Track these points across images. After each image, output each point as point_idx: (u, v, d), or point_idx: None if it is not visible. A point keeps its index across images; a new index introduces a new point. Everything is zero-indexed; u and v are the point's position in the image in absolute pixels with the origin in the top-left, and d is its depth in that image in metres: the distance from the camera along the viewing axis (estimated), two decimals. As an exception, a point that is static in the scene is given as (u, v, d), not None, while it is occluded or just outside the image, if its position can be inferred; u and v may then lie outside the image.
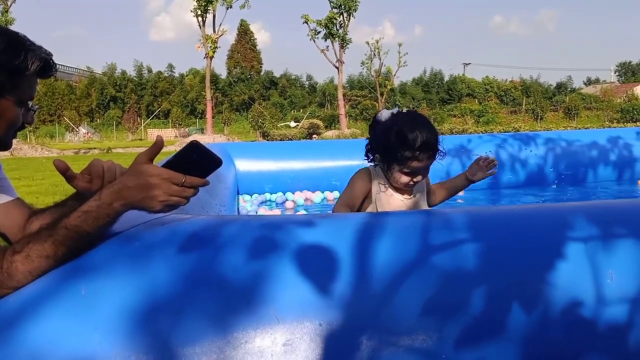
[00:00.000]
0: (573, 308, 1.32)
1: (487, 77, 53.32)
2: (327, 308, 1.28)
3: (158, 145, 1.42)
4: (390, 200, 1.98)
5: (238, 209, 4.93)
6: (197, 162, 1.42)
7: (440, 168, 6.80)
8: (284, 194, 5.86)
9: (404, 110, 1.96)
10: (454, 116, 37.68)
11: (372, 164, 2.05)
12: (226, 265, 1.34)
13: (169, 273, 1.33)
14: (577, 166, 6.85)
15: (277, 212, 4.65)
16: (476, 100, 49.02)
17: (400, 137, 1.83)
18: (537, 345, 1.30)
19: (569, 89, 53.63)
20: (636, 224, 1.51)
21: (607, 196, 6.12)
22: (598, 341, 1.32)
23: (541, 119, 35.46)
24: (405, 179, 1.90)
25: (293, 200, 5.69)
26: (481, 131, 24.07)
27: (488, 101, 47.82)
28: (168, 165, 1.39)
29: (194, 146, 1.41)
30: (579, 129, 25.24)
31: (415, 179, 1.93)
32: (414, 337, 1.27)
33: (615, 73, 61.82)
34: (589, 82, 61.51)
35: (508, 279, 1.35)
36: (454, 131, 25.29)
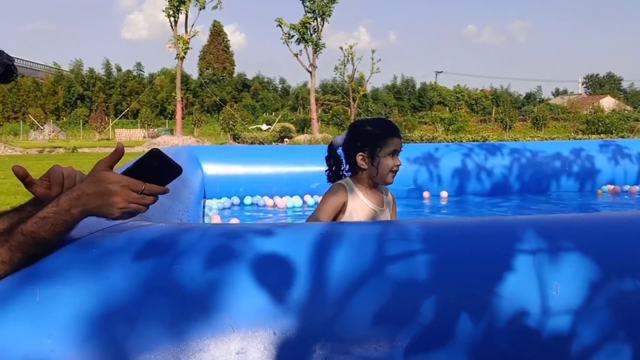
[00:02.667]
0: (519, 318, 1.37)
1: (458, 85, 54.15)
2: (282, 317, 1.30)
3: (118, 152, 1.42)
4: (365, 210, 2.12)
5: (204, 214, 4.91)
6: (158, 170, 1.43)
7: (409, 175, 6.87)
8: (253, 198, 5.86)
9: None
10: (425, 123, 38.12)
11: (338, 181, 2.20)
12: (183, 273, 1.35)
13: (125, 280, 1.34)
14: (540, 176, 7.02)
15: (235, 220, 4.62)
16: (447, 108, 49.69)
17: (376, 124, 2.16)
18: (484, 355, 1.35)
19: (537, 100, 54.76)
20: (581, 237, 1.58)
21: (568, 206, 6.28)
22: (542, 351, 1.38)
23: (510, 128, 36.15)
24: (391, 161, 2.13)
25: (274, 205, 5.69)
26: (451, 139, 24.43)
27: (459, 109, 48.50)
28: (128, 172, 1.40)
29: (155, 154, 1.42)
30: (546, 139, 25.81)
31: (397, 163, 2.17)
32: (366, 346, 1.31)
33: (582, 85, 63.34)
34: (557, 93, 62.89)
35: (458, 290, 1.40)
36: (424, 139, 25.58)
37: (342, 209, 2.09)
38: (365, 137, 2.12)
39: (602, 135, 27.28)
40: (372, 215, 2.14)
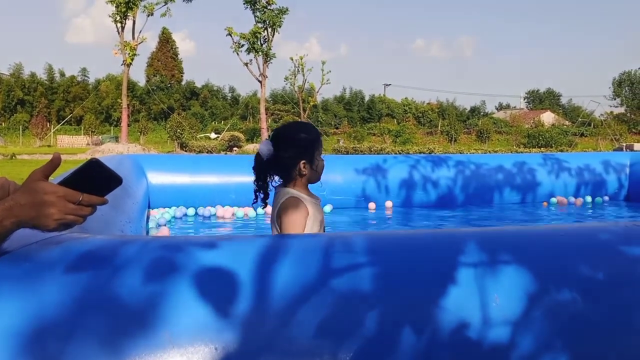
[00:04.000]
0: (460, 330, 1.39)
1: (406, 98, 55.15)
2: (223, 331, 1.28)
3: (54, 162, 1.37)
4: (317, 209, 2.14)
5: (147, 224, 4.79)
6: (97, 180, 1.38)
7: (358, 186, 6.91)
8: (197, 209, 5.76)
9: (273, 131, 2.27)
10: (374, 135, 38.63)
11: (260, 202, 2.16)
12: (121, 287, 1.31)
13: (59, 295, 1.28)
14: (485, 188, 7.21)
15: (165, 230, 4.52)
16: (395, 120, 50.52)
17: (307, 129, 2.18)
18: (426, 366, 1.36)
19: (482, 113, 56.39)
20: (520, 250, 1.62)
21: (515, 216, 6.46)
22: (482, 361, 1.40)
23: (455, 140, 37.09)
24: (323, 161, 2.21)
25: (222, 216, 5.60)
26: (398, 151, 24.84)
27: (406, 122, 49.38)
28: (65, 182, 1.35)
29: (94, 164, 1.38)
30: (490, 151, 26.61)
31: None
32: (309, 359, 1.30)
33: (524, 100, 65.67)
34: (500, 108, 64.97)
35: (401, 302, 1.41)
36: (372, 150, 25.91)
37: (306, 219, 2.08)
38: (303, 144, 2.13)
39: (542, 148, 28.34)
40: (320, 210, 2.18)
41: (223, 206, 5.85)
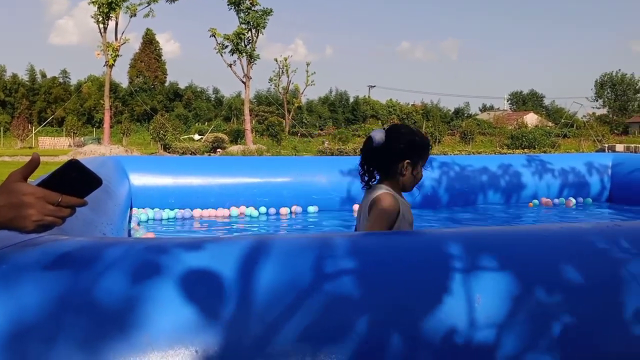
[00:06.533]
0: (442, 330, 1.39)
1: (390, 99, 55.38)
2: (204, 334, 1.26)
3: (33, 163, 1.34)
4: (408, 210, 2.15)
5: (130, 226, 4.74)
6: (76, 181, 1.35)
7: (344, 187, 6.88)
8: (183, 211, 5.72)
9: (390, 124, 2.26)
10: (359, 136, 38.67)
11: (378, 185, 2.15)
12: (100, 289, 1.29)
13: (38, 298, 1.26)
14: (469, 189, 7.24)
15: (150, 234, 4.47)
16: (380, 121, 50.66)
17: (420, 135, 2.19)
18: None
19: (465, 115, 56.74)
20: (503, 250, 1.63)
21: (499, 217, 6.50)
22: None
23: (439, 142, 37.29)
24: (422, 173, 2.20)
25: (203, 216, 5.57)
26: (383, 152, 24.88)
27: (391, 123, 49.54)
28: (44, 183, 1.32)
29: (73, 165, 1.35)
30: (474, 153, 26.80)
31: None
32: (292, 362, 1.28)
33: (508, 101, 66.21)
34: (484, 109, 65.46)
35: (385, 302, 1.41)
36: (357, 151, 25.96)
37: (397, 217, 2.08)
38: (413, 145, 2.13)
39: (525, 150, 28.59)
40: (410, 213, 2.18)
41: (204, 208, 5.81)
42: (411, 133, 2.16)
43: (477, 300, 1.43)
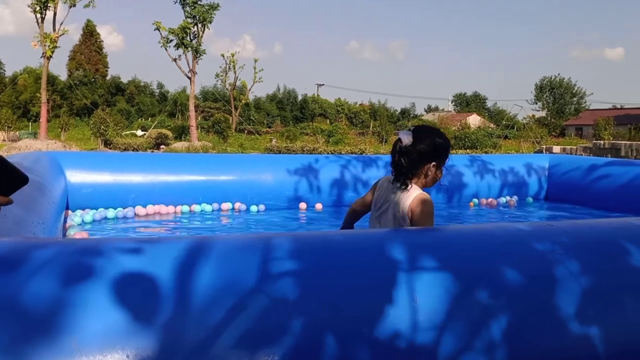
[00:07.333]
0: (381, 329, 1.39)
1: (339, 98, 55.65)
2: (138, 338, 1.21)
3: None
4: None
5: (65, 226, 4.55)
6: (0, 179, 1.28)
7: (289, 187, 6.83)
8: (124, 210, 5.53)
9: (415, 126, 2.33)
10: (307, 134, 38.72)
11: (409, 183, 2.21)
12: (27, 292, 1.22)
13: (-44, 303, 1.18)
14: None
15: (84, 234, 4.31)
16: (328, 120, 50.87)
17: (444, 138, 2.30)
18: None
19: (412, 115, 57.71)
20: (440, 249, 1.65)
21: (441, 216, 6.62)
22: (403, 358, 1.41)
23: (386, 141, 37.76)
24: (443, 172, 2.31)
25: (145, 215, 5.40)
26: (331, 151, 25.02)
27: (339, 122, 49.82)
28: (-35, 181, 1.24)
29: (-3, 162, 1.27)
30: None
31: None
32: (229, 365, 1.25)
33: (452, 103, 67.74)
34: (429, 110, 66.73)
35: (323, 303, 1.39)
36: (305, 149, 25.96)
37: None
38: (440, 148, 2.25)
39: (468, 150, 29.35)
40: None
41: (145, 206, 5.65)
42: (437, 135, 2.29)
43: (415, 300, 1.44)
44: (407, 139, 2.23)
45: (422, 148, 2.22)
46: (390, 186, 2.27)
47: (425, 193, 2.20)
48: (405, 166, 2.21)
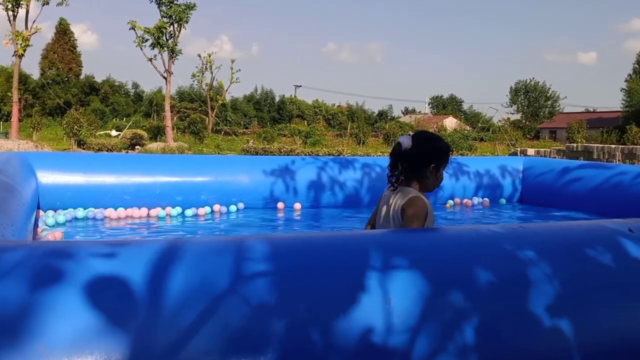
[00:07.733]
0: (354, 331, 1.39)
1: (317, 100, 55.67)
2: (108, 341, 1.19)
3: None
4: (432, 209, 2.28)
5: (35, 228, 4.45)
6: None
7: (265, 188, 6.79)
8: (94, 210, 5.44)
9: (415, 132, 2.44)
10: (284, 135, 38.65)
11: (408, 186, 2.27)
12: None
13: None
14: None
15: (58, 234, 4.23)
16: (305, 121, 50.85)
17: (444, 142, 2.42)
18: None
19: (389, 117, 57.98)
20: (415, 251, 1.65)
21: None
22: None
23: (363, 143, 37.93)
24: (443, 174, 2.38)
25: (118, 217, 5.32)
26: (308, 152, 25.01)
27: (316, 123, 49.86)
28: None
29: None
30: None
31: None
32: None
33: (429, 105, 68.31)
34: (406, 112, 67.18)
35: (298, 305, 1.38)
36: (282, 151, 25.90)
37: (427, 216, 2.22)
38: (438, 151, 2.34)
39: (443, 152, 29.60)
40: (433, 211, 2.30)
41: (118, 208, 5.57)
42: (436, 140, 2.38)
43: (389, 302, 1.44)
44: (406, 142, 2.29)
45: (421, 151, 2.28)
46: (389, 193, 2.32)
47: (420, 195, 2.24)
48: (405, 170, 2.26)
